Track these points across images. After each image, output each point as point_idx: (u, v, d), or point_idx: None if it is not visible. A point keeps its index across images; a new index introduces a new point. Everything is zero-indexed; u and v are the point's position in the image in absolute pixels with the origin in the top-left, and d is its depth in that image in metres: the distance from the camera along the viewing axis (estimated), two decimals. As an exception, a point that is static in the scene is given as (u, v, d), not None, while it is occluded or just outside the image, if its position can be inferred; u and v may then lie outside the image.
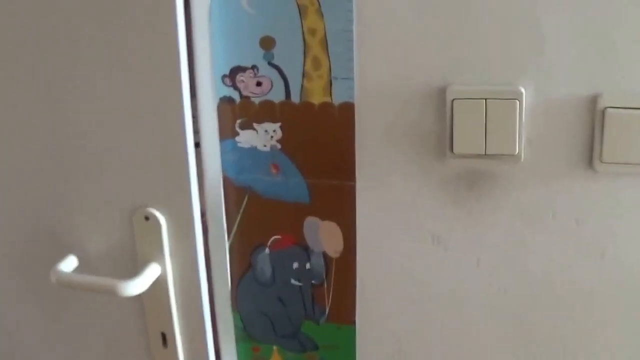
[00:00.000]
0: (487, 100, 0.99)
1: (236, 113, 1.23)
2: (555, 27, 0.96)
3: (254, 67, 1.18)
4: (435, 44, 1.10)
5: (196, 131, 1.08)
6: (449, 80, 1.04)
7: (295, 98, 1.19)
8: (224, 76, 1.20)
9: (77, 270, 1.08)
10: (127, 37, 1.05)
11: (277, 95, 1.19)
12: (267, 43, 1.16)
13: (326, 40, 1.13)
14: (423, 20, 1.09)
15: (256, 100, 1.21)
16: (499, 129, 1.00)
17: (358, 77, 1.15)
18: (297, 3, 1.12)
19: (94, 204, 1.10)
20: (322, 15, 1.12)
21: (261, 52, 1.17)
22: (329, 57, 1.14)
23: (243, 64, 1.19)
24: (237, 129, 1.23)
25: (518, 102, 0.97)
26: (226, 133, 1.15)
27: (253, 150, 1.23)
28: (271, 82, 1.19)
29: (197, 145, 1.08)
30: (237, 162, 1.24)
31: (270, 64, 1.17)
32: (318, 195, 1.14)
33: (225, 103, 1.23)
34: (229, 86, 1.21)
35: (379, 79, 1.14)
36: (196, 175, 1.05)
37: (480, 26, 1.04)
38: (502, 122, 1.00)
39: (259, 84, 1.19)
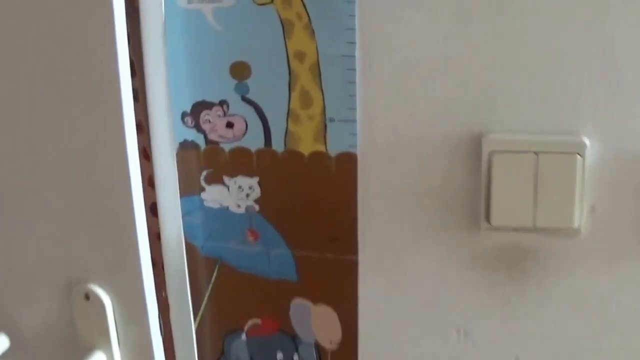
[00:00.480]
0: (539, 154, 0.77)
1: (201, 163, 0.92)
2: (635, 55, 0.70)
3: (223, 102, 0.88)
4: (468, 77, 0.79)
5: (150, 185, 0.90)
6: (487, 126, 0.81)
7: (277, 145, 0.87)
8: (184, 114, 0.90)
9: (7, 352, 0.91)
10: (54, 59, 0.82)
11: (253, 141, 0.88)
12: (240, 71, 0.85)
13: (319, 68, 0.82)
14: (452, 44, 0.78)
15: (226, 147, 0.90)
16: (553, 193, 0.78)
17: (363, 119, 0.83)
18: (280, 17, 0.81)
19: (24, 274, 0.93)
20: (313, 34, 0.81)
21: (232, 82, 0.86)
22: (322, 91, 0.83)
23: (209, 98, 0.88)
24: (203, 183, 0.93)
25: (580, 158, 0.76)
26: (189, 188, 0.95)
27: (224, 211, 0.92)
28: (246, 122, 0.88)
29: (152, 204, 0.90)
30: (204, 225, 0.94)
31: (244, 99, 0.86)
32: (308, 272, 0.91)
33: (186, 149, 0.92)
34: (190, 127, 0.90)
35: (391, 122, 0.83)
36: (149, 242, 0.87)
37: (528, 52, 0.77)
38: (558, 184, 0.78)
39: (229, 125, 0.88)
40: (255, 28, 0.82)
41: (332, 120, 0.84)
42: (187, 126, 0.90)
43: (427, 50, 0.79)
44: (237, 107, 0.87)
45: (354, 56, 0.81)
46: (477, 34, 0.77)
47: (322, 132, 0.85)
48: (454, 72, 0.79)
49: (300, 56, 0.82)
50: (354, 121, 0.83)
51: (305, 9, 0.80)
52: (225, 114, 0.88)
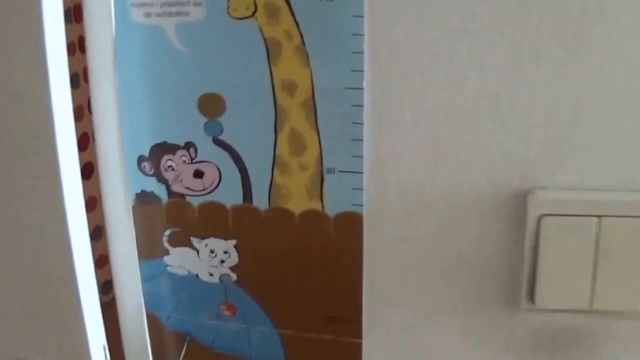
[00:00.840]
0: (602, 218, 0.61)
1: (163, 220, 0.71)
2: None
3: (189, 145, 0.67)
4: (511, 118, 0.59)
5: (102, 243, 0.76)
6: (534, 181, 0.63)
7: (260, 201, 0.67)
8: (141, 159, 0.69)
9: None
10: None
11: (229, 195, 0.68)
12: (211, 105, 0.65)
13: (314, 104, 0.62)
14: (497, 80, 0.58)
15: (194, 201, 0.70)
16: (618, 267, 0.62)
17: (371, 170, 0.63)
18: (264, 36, 0.61)
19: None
20: (307, 59, 0.61)
21: (201, 120, 0.66)
22: (318, 133, 0.63)
23: (172, 139, 0.68)
24: (166, 244, 0.72)
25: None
26: (150, 250, 0.75)
27: (193, 279, 0.72)
28: (219, 171, 0.67)
29: (103, 263, 0.76)
30: (169, 295, 0.73)
31: (217, 141, 0.66)
32: (300, 356, 0.74)
33: (144, 203, 0.71)
34: (149, 175, 0.70)
35: (408, 174, 0.63)
36: (103, 313, 0.74)
37: (594, 90, 0.57)
38: (625, 257, 0.62)
39: (198, 174, 0.68)
40: (230, 50, 0.62)
41: (331, 170, 0.64)
42: (145, 174, 0.70)
43: (457, 78, 0.59)
44: (208, 151, 0.67)
45: (361, 88, 0.60)
46: (531, 72, 0.57)
47: (318, 186, 0.65)
48: (493, 112, 0.59)
49: (290, 88, 0.62)
50: (359, 172, 0.63)
51: (297, 26, 0.60)
52: (192, 160, 0.68)
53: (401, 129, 0.61)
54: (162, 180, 0.69)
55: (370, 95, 0.60)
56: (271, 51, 0.61)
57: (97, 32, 0.66)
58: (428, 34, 0.58)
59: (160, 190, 0.70)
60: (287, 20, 0.60)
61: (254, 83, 0.62)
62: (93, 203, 0.75)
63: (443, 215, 0.63)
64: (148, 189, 0.70)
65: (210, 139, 0.66)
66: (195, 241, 0.71)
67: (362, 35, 0.58)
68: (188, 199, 0.69)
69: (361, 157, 0.62)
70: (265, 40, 0.61)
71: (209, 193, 0.68)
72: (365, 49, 0.59)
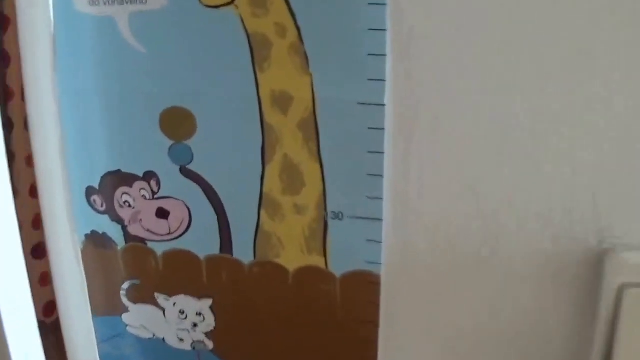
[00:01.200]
0: None
1: (120, 269, 0.54)
2: None
3: (150, 176, 0.50)
4: (585, 157, 0.41)
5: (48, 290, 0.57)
6: (614, 239, 0.45)
7: (243, 251, 0.50)
8: (91, 191, 0.52)
9: None
10: None
11: (202, 242, 0.51)
12: (177, 123, 0.48)
13: (315, 124, 0.45)
14: (560, 100, 0.41)
15: (158, 248, 0.52)
16: None
17: (394, 216, 0.46)
18: (247, 32, 0.44)
19: None
20: (305, 62, 0.44)
21: (165, 143, 0.48)
22: (321, 163, 0.45)
23: (128, 168, 0.51)
24: (125, 300, 0.55)
25: None
26: (106, 305, 0.58)
27: (157, 344, 0.55)
28: (188, 211, 0.50)
29: (48, 324, 0.59)
30: (131, 357, 0.56)
31: (185, 171, 0.49)
32: None
33: (96, 246, 0.54)
34: (101, 212, 0.53)
35: (443, 223, 0.45)
36: None
37: None
38: None
39: (162, 213, 0.51)
40: (202, 50, 0.45)
41: (337, 216, 0.46)
42: (96, 210, 0.53)
43: (518, 106, 0.42)
44: (174, 184, 0.49)
45: (381, 104, 0.43)
46: (606, 111, 0.40)
47: (320, 236, 0.47)
48: (559, 148, 0.42)
49: (283, 102, 0.45)
50: (377, 220, 0.46)
51: (293, 17, 0.43)
52: (154, 195, 0.50)
53: (435, 162, 0.44)
54: (116, 219, 0.52)
55: (394, 114, 0.43)
56: (257, 51, 0.44)
57: (31, 28, 0.49)
58: (475, 29, 0.40)
59: (114, 232, 0.53)
60: (280, 10, 0.43)
61: (234, 95, 0.45)
62: (38, 249, 0.58)
63: (491, 279, 0.46)
64: (99, 230, 0.53)
65: (176, 168, 0.49)
66: (160, 298, 0.54)
67: (383, 30, 0.41)
68: (150, 244, 0.52)
69: (380, 198, 0.45)
70: (248, 36, 0.44)
71: (176, 239, 0.51)
72: (387, 48, 0.42)
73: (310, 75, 0.43)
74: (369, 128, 0.43)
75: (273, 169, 0.46)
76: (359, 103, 0.43)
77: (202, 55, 0.45)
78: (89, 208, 0.53)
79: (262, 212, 0.47)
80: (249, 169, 0.46)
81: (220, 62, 0.44)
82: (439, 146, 0.43)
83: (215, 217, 0.49)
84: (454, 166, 0.43)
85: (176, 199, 0.49)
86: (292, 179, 0.46)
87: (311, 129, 0.44)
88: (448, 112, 0.42)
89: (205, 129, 0.46)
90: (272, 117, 0.45)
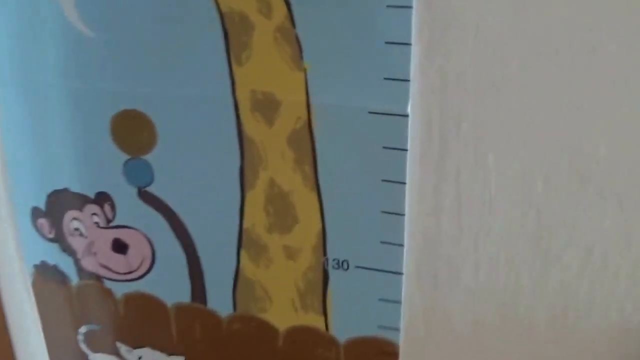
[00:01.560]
0: None
1: (75, 310, 0.43)
2: None
3: (103, 198, 0.38)
4: None
5: None
6: None
7: (219, 301, 0.38)
8: (36, 213, 0.41)
9: None
10: None
11: (169, 285, 0.39)
12: (132, 132, 0.35)
13: (311, 138, 0.32)
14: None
15: (118, 289, 0.41)
16: None
17: (417, 265, 0.33)
18: (220, 10, 0.32)
19: None
20: (298, 52, 0.31)
21: (119, 157, 0.36)
22: (319, 192, 0.33)
23: (76, 187, 0.39)
24: (83, 346, 0.44)
25: None
26: (63, 349, 0.46)
27: (125, 403, 0.43)
28: (150, 245, 0.38)
29: None
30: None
31: (145, 195, 0.37)
32: None
33: (47, 280, 0.43)
34: (50, 239, 0.41)
35: (487, 278, 0.32)
36: None
37: None
38: None
39: (119, 246, 0.39)
40: (162, 35, 0.33)
41: (341, 264, 0.34)
42: (44, 236, 0.42)
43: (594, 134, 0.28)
44: (132, 210, 0.37)
45: (403, 115, 0.30)
46: None
47: (319, 289, 0.35)
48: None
49: (268, 106, 0.32)
50: (394, 273, 0.33)
51: (283, -10, 0.30)
52: (108, 222, 0.39)
53: (479, 196, 0.30)
54: (67, 249, 0.41)
55: (421, 128, 0.30)
56: (233, 37, 0.31)
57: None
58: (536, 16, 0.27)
59: (66, 265, 0.41)
60: (267, -20, 0.30)
61: (203, 97, 0.33)
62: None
63: (551, 357, 0.32)
64: (50, 261, 0.42)
65: (133, 190, 0.37)
66: (122, 349, 0.42)
67: (408, 7, 0.28)
68: (108, 283, 0.41)
69: (399, 244, 0.32)
70: (221, 15, 0.31)
71: (138, 279, 0.39)
72: (413, 34, 0.29)
73: (304, 70, 0.30)
74: (384, 147, 0.30)
75: (255, 199, 0.33)
76: (371, 112, 0.30)
77: (163, 43, 0.32)
78: (36, 233, 0.41)
79: (243, 254, 0.35)
80: (224, 197, 0.34)
81: (185, 52, 0.32)
82: (484, 174, 0.30)
83: (184, 256, 0.37)
84: (507, 202, 0.30)
85: (135, 229, 0.37)
86: (281, 213, 0.33)
87: (305, 146, 0.31)
88: (499, 127, 0.29)
89: (168, 141, 0.34)
90: (253, 128, 0.32)
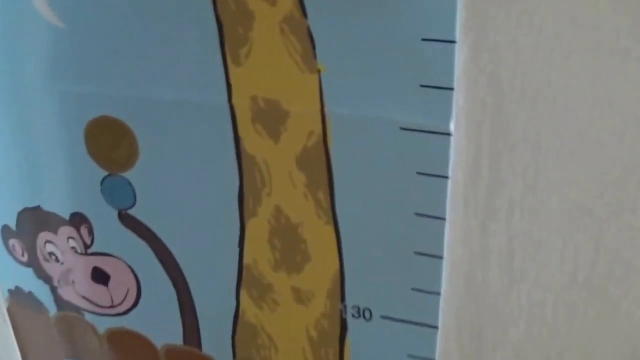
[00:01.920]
0: None
1: (54, 342, 0.37)
2: None
3: (80, 220, 0.32)
4: None
5: None
6: None
7: (215, 346, 0.31)
8: (7, 233, 0.35)
9: None
10: None
11: (157, 324, 0.33)
12: (110, 142, 0.29)
13: (327, 159, 0.26)
14: None
15: (100, 323, 0.35)
16: None
17: (459, 320, 0.26)
18: (217, 14, 0.25)
19: None
20: (310, 50, 0.24)
21: (96, 172, 0.30)
22: (336, 224, 0.26)
23: (49, 205, 0.33)
24: (66, 383, 0.38)
25: None
26: None
27: None
28: (135, 277, 0.32)
29: None
30: None
31: (126, 218, 0.31)
32: None
33: (21, 306, 0.37)
34: (23, 263, 0.36)
35: (551, 337, 0.26)
36: None
37: None
38: None
39: (99, 276, 0.33)
40: (144, 26, 0.27)
41: (362, 313, 0.27)
42: (17, 259, 0.36)
43: None
44: (112, 235, 0.31)
45: (444, 133, 0.23)
46: None
47: (335, 341, 0.28)
48: None
49: (273, 117, 0.26)
50: (427, 325, 0.26)
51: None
52: (86, 248, 0.33)
53: (540, 237, 0.24)
54: (42, 276, 0.35)
55: (466, 150, 0.23)
56: (228, 29, 0.25)
57: None
58: None
59: (42, 293, 0.36)
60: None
61: (193, 103, 0.27)
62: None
63: None
64: (24, 287, 0.36)
65: (113, 212, 0.31)
66: (108, 391, 0.36)
67: (455, 5, 0.21)
68: (89, 317, 0.35)
69: (434, 292, 0.25)
70: (214, 3, 0.25)
71: (122, 314, 0.34)
72: (458, 29, 0.22)
73: (318, 72, 0.24)
74: (419, 173, 0.24)
75: (258, 229, 0.27)
76: (403, 128, 0.23)
77: (144, 36, 0.26)
78: (8, 255, 0.36)
79: (243, 294, 0.29)
80: (220, 226, 0.28)
81: (170, 47, 0.26)
82: (543, 211, 0.23)
83: (174, 291, 0.31)
84: (568, 245, 0.23)
85: (117, 257, 0.31)
86: (289, 248, 0.27)
87: (319, 168, 0.25)
88: (565, 152, 0.22)
89: (150, 156, 0.28)
90: (254, 144, 0.26)
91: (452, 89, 0.22)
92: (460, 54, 0.22)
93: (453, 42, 0.22)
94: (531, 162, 0.23)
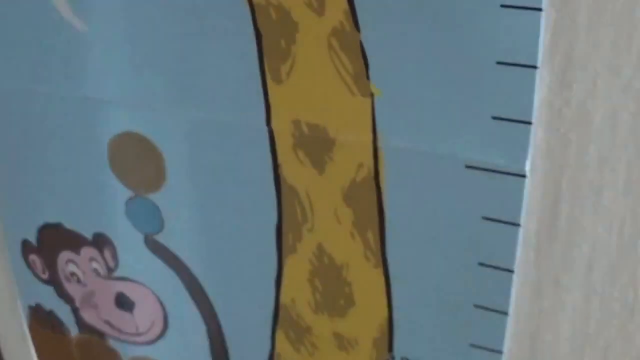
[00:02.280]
0: None
1: (76, 365, 0.35)
2: None
3: (102, 241, 0.30)
4: None
5: None
6: None
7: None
8: (28, 248, 0.33)
9: None
10: None
11: (184, 357, 0.30)
12: (135, 162, 0.27)
13: (379, 196, 0.23)
14: None
15: (125, 351, 0.33)
16: None
17: None
18: (251, 3, 0.23)
19: None
20: (364, 69, 0.22)
21: (121, 192, 0.28)
22: (386, 270, 0.24)
23: (71, 223, 0.31)
24: (88, 406, 0.36)
25: None
26: None
27: None
28: (162, 307, 0.30)
29: None
30: None
31: (153, 244, 0.28)
32: None
33: (42, 326, 0.36)
34: (43, 281, 0.34)
35: None
36: None
37: None
38: None
39: (123, 302, 0.31)
40: (173, 34, 0.24)
41: (413, 367, 0.25)
42: (37, 275, 0.34)
43: None
44: (137, 260, 0.29)
45: (519, 175, 0.20)
46: None
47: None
48: None
49: (318, 145, 0.23)
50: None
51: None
52: (110, 271, 0.31)
53: (616, 295, 0.21)
54: (63, 294, 0.33)
55: (543, 194, 0.20)
56: (268, 41, 0.22)
57: None
58: None
59: (64, 313, 0.34)
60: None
61: (227, 124, 0.24)
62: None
63: None
64: (45, 305, 0.35)
65: (139, 236, 0.28)
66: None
67: (536, 9, 0.18)
68: (113, 343, 0.33)
69: (497, 351, 0.22)
70: (253, 11, 0.22)
71: (148, 343, 0.31)
72: (541, 50, 0.19)
73: (372, 96, 0.21)
74: (485, 218, 0.21)
75: (297, 267, 0.25)
76: (469, 166, 0.20)
77: (174, 46, 0.24)
78: (29, 271, 0.34)
79: (279, 335, 0.26)
80: (255, 261, 0.25)
81: (203, 60, 0.23)
82: (630, 268, 0.20)
83: (204, 326, 0.28)
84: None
85: (142, 284, 0.29)
86: (332, 290, 0.24)
87: (369, 205, 0.22)
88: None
89: (179, 178, 0.26)
90: (296, 173, 0.23)
91: (530, 122, 0.19)
92: (542, 81, 0.19)
93: (534, 67, 0.19)
94: (619, 212, 0.19)
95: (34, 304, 0.35)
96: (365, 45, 0.21)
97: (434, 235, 0.22)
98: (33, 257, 0.33)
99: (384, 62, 0.21)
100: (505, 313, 0.22)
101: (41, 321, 0.35)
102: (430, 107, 0.20)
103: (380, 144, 0.21)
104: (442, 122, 0.20)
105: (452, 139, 0.20)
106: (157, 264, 0.28)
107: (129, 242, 0.28)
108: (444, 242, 0.21)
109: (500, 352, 0.22)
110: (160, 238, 0.27)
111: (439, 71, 0.20)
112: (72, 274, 0.32)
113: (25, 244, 0.33)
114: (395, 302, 0.23)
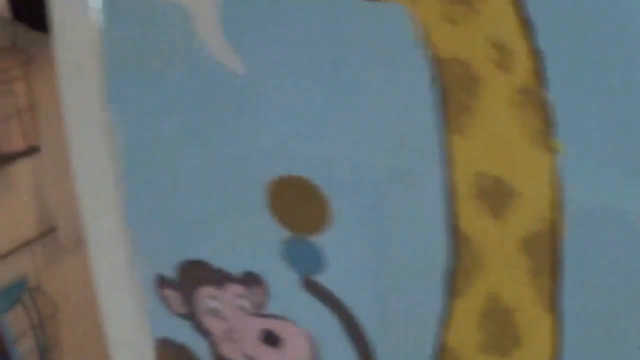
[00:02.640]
0: None
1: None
2: None
3: (253, 280, 0.32)
4: None
5: None
6: None
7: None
8: (162, 283, 0.35)
9: None
10: None
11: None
12: (297, 205, 0.29)
13: (555, 249, 0.24)
14: None
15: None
16: None
17: None
18: (433, 53, 0.24)
19: None
20: (549, 127, 0.23)
21: (278, 233, 0.30)
22: (557, 316, 0.25)
23: (218, 261, 0.32)
24: None
25: None
26: None
27: None
28: (311, 343, 0.32)
29: None
30: None
31: (311, 285, 0.30)
32: None
33: (171, 358, 0.37)
34: (179, 315, 0.36)
35: None
36: None
37: None
38: None
39: (270, 339, 0.33)
40: (343, 79, 0.25)
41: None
42: (171, 309, 0.36)
43: None
44: (292, 299, 0.31)
45: None
46: None
47: None
48: None
49: (498, 197, 0.24)
50: None
51: (527, 30, 0.22)
52: (258, 310, 0.32)
53: None
54: (201, 329, 0.35)
55: None
56: (451, 96, 0.24)
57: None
58: None
59: (199, 348, 0.36)
60: (500, 12, 0.22)
61: (403, 171, 0.25)
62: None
63: None
64: (176, 338, 0.36)
65: (295, 277, 0.30)
66: None
67: None
68: (251, 377, 0.34)
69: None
70: (439, 65, 0.23)
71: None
72: None
73: (554, 152, 0.22)
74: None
75: (467, 311, 0.26)
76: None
77: (346, 90, 0.25)
78: (159, 304, 0.35)
79: (438, 375, 0.28)
80: (419, 302, 0.27)
81: (381, 108, 0.25)
82: None
83: (357, 363, 0.30)
84: None
85: (294, 323, 0.31)
86: (500, 331, 0.26)
87: (547, 256, 0.24)
88: None
89: (346, 221, 0.27)
90: (474, 223, 0.25)
91: None
92: None
93: None
94: None
95: (161, 336, 0.37)
96: (550, 102, 0.22)
97: (610, 282, 0.23)
98: (168, 292, 0.35)
99: (568, 118, 0.22)
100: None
101: (170, 354, 0.37)
102: (615, 165, 0.22)
103: (561, 199, 0.22)
104: (626, 179, 0.21)
105: (636, 196, 0.21)
106: (313, 303, 0.29)
107: (283, 281, 0.30)
108: (628, 297, 0.23)
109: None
110: (321, 279, 0.29)
111: (628, 129, 0.21)
112: (213, 309, 0.33)
113: (160, 279, 0.35)
114: (564, 346, 0.25)
